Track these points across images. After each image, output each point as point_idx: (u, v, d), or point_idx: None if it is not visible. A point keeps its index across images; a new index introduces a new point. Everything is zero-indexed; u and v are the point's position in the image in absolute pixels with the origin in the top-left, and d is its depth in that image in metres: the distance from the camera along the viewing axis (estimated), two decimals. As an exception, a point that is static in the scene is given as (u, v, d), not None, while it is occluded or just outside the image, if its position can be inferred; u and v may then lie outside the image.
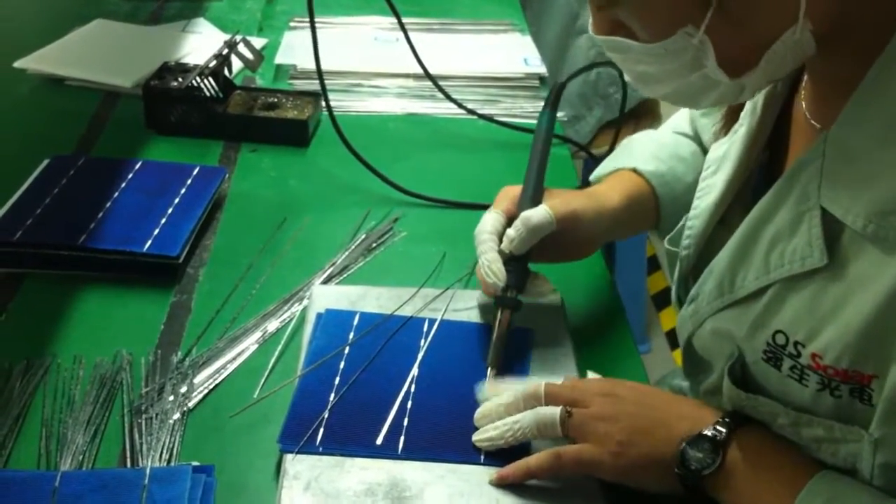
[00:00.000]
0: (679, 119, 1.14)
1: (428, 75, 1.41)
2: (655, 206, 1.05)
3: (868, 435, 0.68)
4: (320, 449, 0.82)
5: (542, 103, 1.48)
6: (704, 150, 1.09)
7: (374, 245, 1.14)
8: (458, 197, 1.23)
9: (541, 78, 1.56)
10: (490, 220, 0.98)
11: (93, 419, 0.85)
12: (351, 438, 0.83)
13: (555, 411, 0.80)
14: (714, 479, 0.74)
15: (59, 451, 0.82)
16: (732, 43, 0.68)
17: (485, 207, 1.18)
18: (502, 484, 0.79)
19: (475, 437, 0.83)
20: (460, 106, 1.42)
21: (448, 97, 1.41)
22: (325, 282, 1.06)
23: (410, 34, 1.42)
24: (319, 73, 1.25)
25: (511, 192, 1.01)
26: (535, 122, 1.43)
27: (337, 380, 0.89)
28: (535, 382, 0.83)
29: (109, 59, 1.55)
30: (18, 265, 1.05)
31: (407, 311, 0.99)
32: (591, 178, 1.12)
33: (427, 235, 1.16)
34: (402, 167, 1.33)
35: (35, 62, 1.52)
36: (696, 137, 1.12)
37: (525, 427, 0.80)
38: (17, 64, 1.51)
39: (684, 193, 1.04)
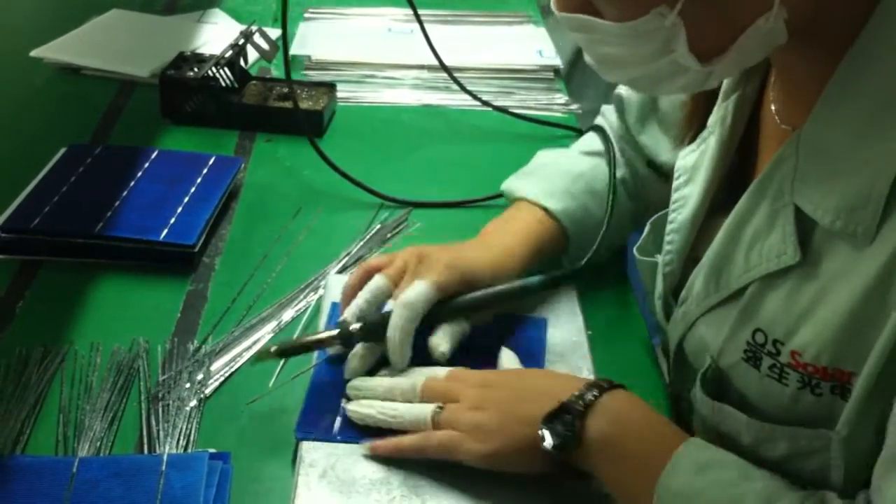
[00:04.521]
0: (591, 140, 1.12)
1: (443, 66, 1.42)
2: (565, 245, 1.03)
3: (836, 433, 0.67)
4: (338, 437, 0.82)
5: (558, 95, 1.48)
6: (637, 174, 1.09)
7: (389, 235, 1.14)
8: (471, 188, 1.23)
9: (555, 70, 1.56)
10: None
11: (110, 406, 0.86)
12: (367, 426, 0.83)
13: (427, 410, 0.80)
14: (579, 453, 0.74)
15: (76, 437, 0.82)
16: (705, 27, 0.66)
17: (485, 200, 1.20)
18: (374, 454, 0.80)
19: (349, 406, 0.83)
20: (475, 97, 1.42)
21: (463, 88, 1.41)
22: (341, 271, 1.06)
23: (426, 25, 1.42)
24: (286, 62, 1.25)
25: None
26: (549, 113, 1.44)
27: None
28: (413, 377, 0.84)
29: (126, 49, 1.55)
30: (35, 253, 1.06)
31: None
32: (502, 188, 1.09)
33: (441, 226, 1.16)
34: (416, 158, 1.33)
35: (52, 51, 1.53)
36: (628, 160, 1.10)
37: (399, 418, 0.81)
38: (33, 53, 1.52)
39: (594, 230, 1.02)
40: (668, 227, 0.88)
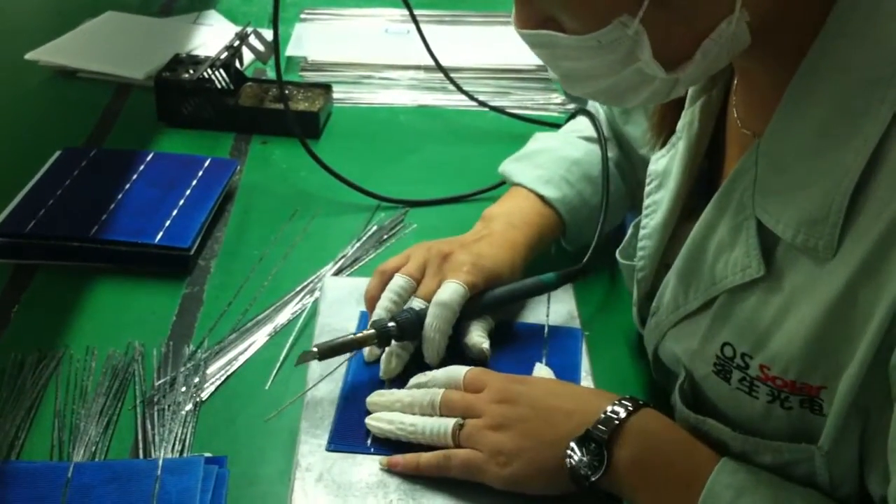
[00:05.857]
0: (587, 124, 1.11)
1: (439, 67, 1.41)
2: (562, 231, 1.04)
3: (818, 448, 0.67)
4: (371, 450, 0.81)
5: (554, 95, 1.48)
6: (630, 156, 1.09)
7: (385, 237, 1.14)
8: (468, 189, 1.23)
9: (552, 70, 1.56)
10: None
11: (105, 410, 0.86)
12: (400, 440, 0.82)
13: (448, 425, 0.79)
14: (607, 479, 0.72)
15: (71, 442, 0.82)
16: (669, 33, 0.64)
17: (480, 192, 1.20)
18: (392, 469, 0.79)
19: (368, 419, 0.83)
20: (471, 98, 1.41)
21: (459, 89, 1.41)
22: (337, 273, 1.06)
23: (422, 26, 1.41)
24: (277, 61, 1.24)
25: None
26: (545, 113, 1.43)
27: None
28: (434, 390, 0.83)
29: (121, 51, 1.55)
30: (31, 257, 1.05)
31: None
32: (500, 170, 1.10)
33: (437, 227, 1.16)
34: (413, 159, 1.33)
35: (46, 54, 1.52)
36: (622, 143, 1.10)
37: (418, 433, 0.80)
38: (28, 56, 1.51)
39: (589, 217, 1.04)
40: (641, 233, 0.87)
